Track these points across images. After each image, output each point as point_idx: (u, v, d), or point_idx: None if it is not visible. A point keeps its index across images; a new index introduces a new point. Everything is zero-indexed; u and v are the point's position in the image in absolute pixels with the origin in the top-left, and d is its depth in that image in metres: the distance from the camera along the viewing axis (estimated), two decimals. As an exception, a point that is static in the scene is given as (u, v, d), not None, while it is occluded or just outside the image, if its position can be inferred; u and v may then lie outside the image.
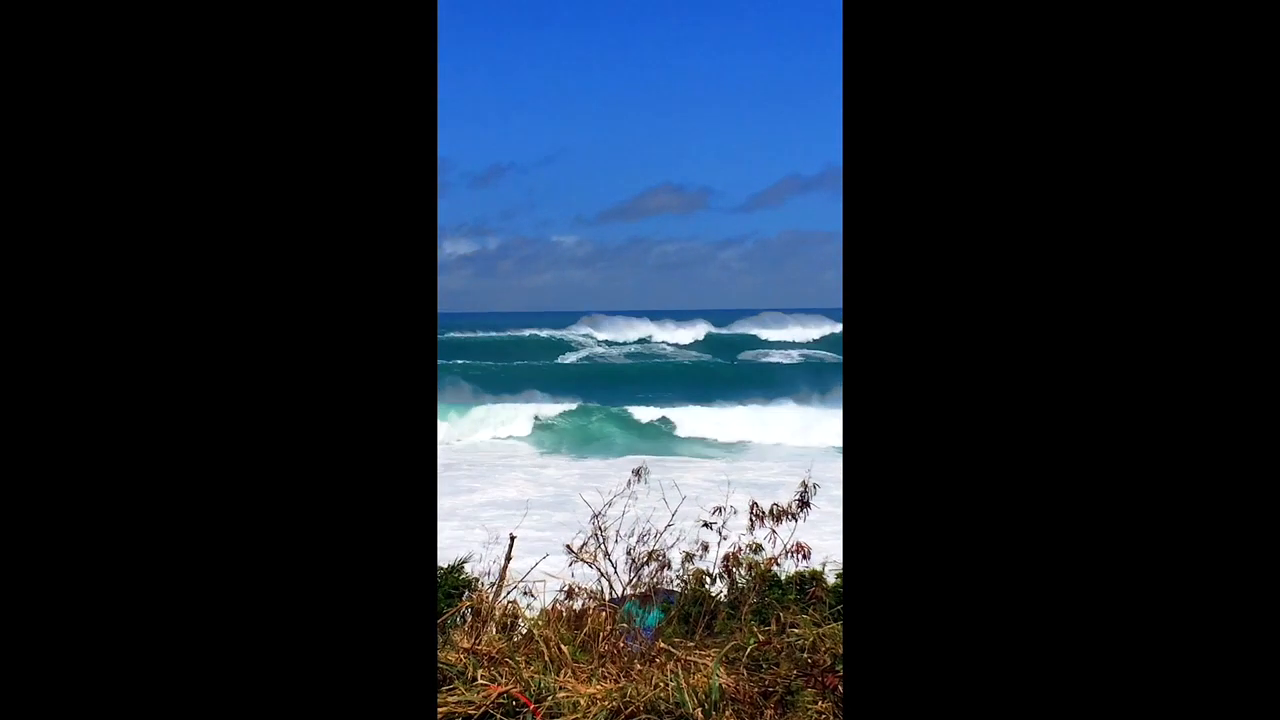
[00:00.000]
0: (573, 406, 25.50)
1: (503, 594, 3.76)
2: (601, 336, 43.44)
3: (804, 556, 3.88)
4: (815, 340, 42.91)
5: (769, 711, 3.06)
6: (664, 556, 3.97)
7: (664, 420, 24.37)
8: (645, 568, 3.98)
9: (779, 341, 42.88)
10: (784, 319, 46.24)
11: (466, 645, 3.19)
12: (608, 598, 3.88)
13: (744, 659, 3.25)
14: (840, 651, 3.22)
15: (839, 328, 43.08)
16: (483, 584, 3.98)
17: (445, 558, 4.38)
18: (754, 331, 44.51)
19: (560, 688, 3.08)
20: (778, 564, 3.91)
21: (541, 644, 3.28)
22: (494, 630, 3.52)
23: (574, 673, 3.19)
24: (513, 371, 34.40)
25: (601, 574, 3.97)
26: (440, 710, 2.87)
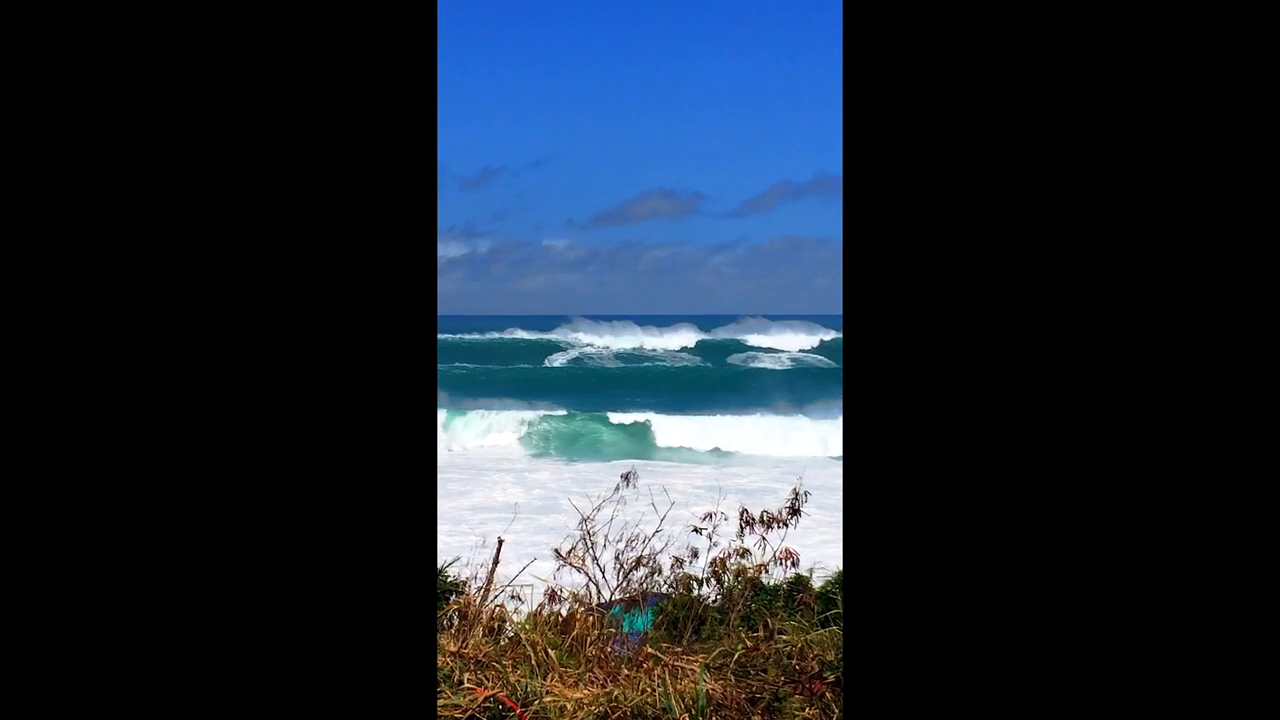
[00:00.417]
0: (562, 411, 25.49)
1: (490, 598, 3.75)
2: (592, 341, 43.44)
3: (793, 564, 3.88)
4: (807, 347, 42.98)
5: (756, 717, 3.05)
6: (653, 561, 3.97)
7: (652, 426, 24.37)
8: (634, 573, 3.97)
9: (770, 348, 42.93)
10: (776, 325, 46.31)
11: (453, 649, 3.18)
12: (595, 603, 3.87)
13: (731, 665, 3.24)
14: (828, 658, 3.21)
15: (832, 334, 43.20)
16: (470, 587, 3.96)
17: (433, 561, 4.35)
18: (745, 337, 44.56)
19: (547, 692, 3.07)
20: (766, 571, 3.91)
21: (528, 648, 3.27)
22: (481, 634, 3.51)
23: (561, 677, 3.18)
24: (502, 375, 34.38)
25: (589, 579, 3.96)
26: (426, 714, 2.86)
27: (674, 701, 3.00)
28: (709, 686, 3.08)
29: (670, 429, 24.13)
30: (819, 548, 4.22)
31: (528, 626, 3.50)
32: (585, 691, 3.09)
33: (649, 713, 3.00)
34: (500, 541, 3.94)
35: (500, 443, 23.34)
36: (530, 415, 24.81)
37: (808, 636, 3.36)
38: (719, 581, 3.92)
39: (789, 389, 30.31)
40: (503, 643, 3.43)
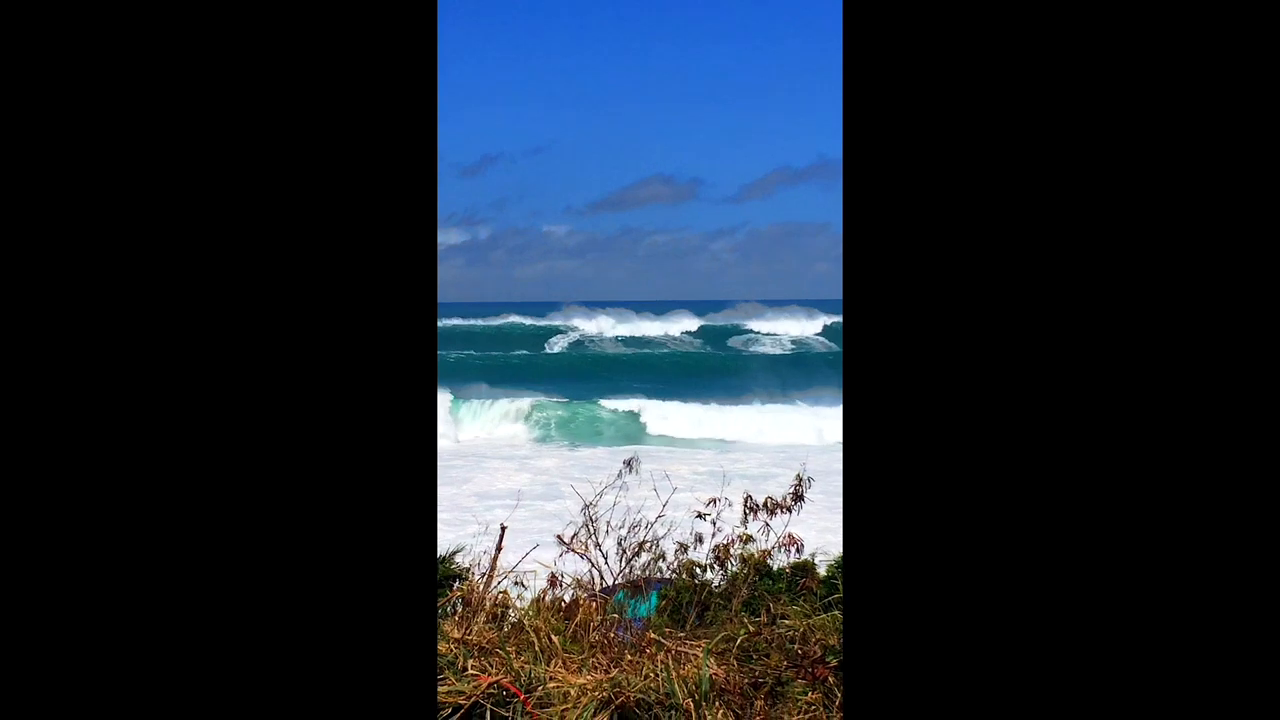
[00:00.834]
0: (563, 397, 25.49)
1: (493, 584, 3.75)
2: (592, 327, 43.41)
3: (797, 550, 3.88)
4: (807, 333, 42.94)
5: (759, 702, 3.06)
6: (657, 547, 3.98)
7: (653, 411, 24.37)
8: (636, 558, 3.98)
9: (770, 333, 42.89)
10: (775, 310, 46.27)
11: (457, 635, 3.18)
12: (598, 588, 3.88)
13: (734, 650, 3.25)
14: (830, 643, 3.22)
15: (832, 319, 43.12)
16: (473, 574, 3.97)
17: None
18: (745, 323, 44.52)
19: (550, 678, 3.08)
20: (770, 557, 3.92)
21: (532, 634, 3.28)
22: (484, 620, 3.52)
23: (564, 663, 3.19)
24: (502, 361, 34.37)
25: (592, 564, 3.97)
26: (430, 700, 2.87)
27: (677, 686, 3.01)
28: (712, 671, 3.09)
29: (671, 414, 24.14)
30: (821, 534, 4.23)
31: (531, 612, 3.51)
32: (589, 677, 3.10)
33: (652, 698, 3.01)
34: (503, 528, 3.95)
35: (501, 429, 23.35)
36: (531, 401, 24.80)
37: (810, 621, 3.36)
38: (722, 567, 3.93)
39: (789, 374, 30.31)
40: (506, 629, 3.44)
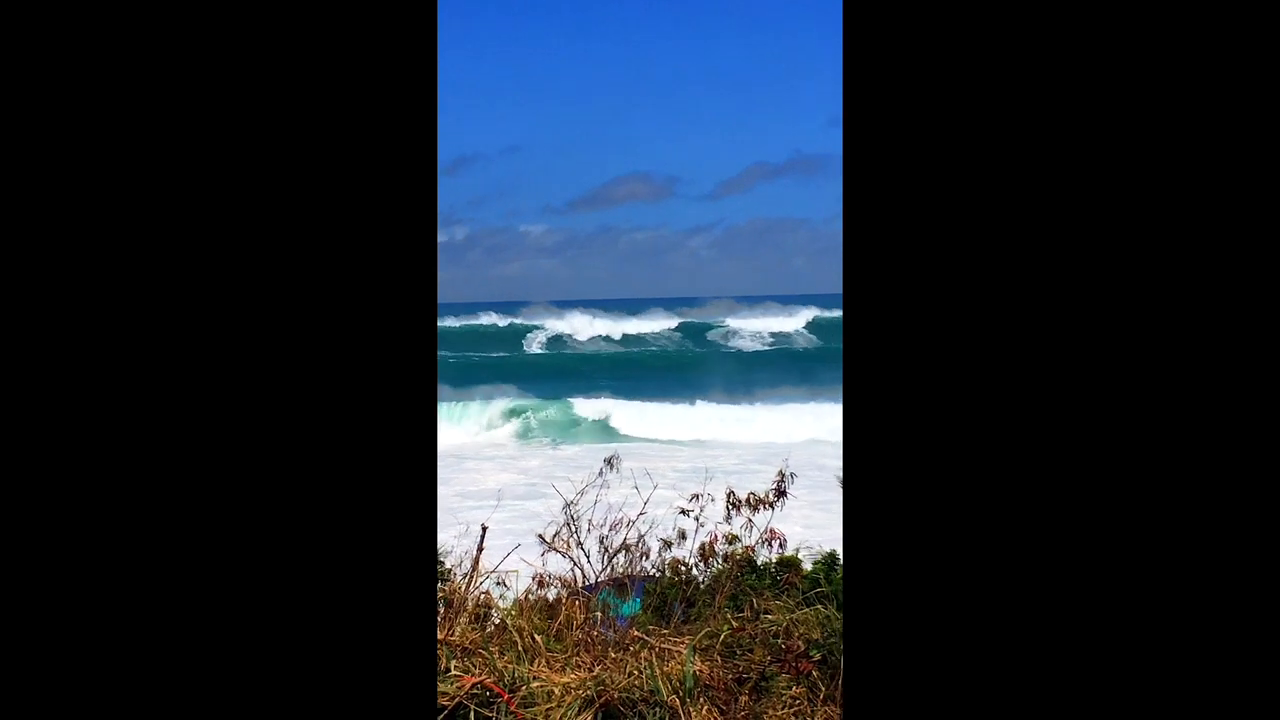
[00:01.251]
0: (542, 396, 25.46)
1: (475, 584, 3.74)
2: (570, 325, 43.38)
3: (780, 545, 3.89)
4: (787, 329, 43.05)
5: (744, 698, 3.07)
6: (642, 544, 3.97)
7: (633, 409, 24.38)
8: (619, 556, 3.97)
9: (749, 329, 42.98)
10: (755, 306, 46.36)
11: (439, 637, 3.17)
12: (581, 586, 3.87)
13: (718, 646, 3.25)
14: (814, 637, 3.23)
15: (812, 314, 43.22)
16: (455, 575, 3.96)
17: (417, 549, 4.33)
18: (724, 319, 44.59)
19: (534, 677, 3.07)
20: (753, 552, 3.92)
21: (515, 634, 3.27)
22: (467, 621, 3.51)
23: (548, 662, 3.18)
24: (480, 361, 34.31)
25: (574, 563, 3.96)
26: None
27: (661, 683, 3.00)
28: (696, 668, 3.09)
29: (650, 412, 24.15)
30: (808, 529, 4.24)
31: (513, 612, 3.50)
32: (572, 675, 3.09)
33: (636, 695, 3.01)
34: (484, 529, 3.93)
35: (480, 429, 23.30)
36: (510, 401, 24.77)
37: (793, 616, 3.37)
38: (706, 564, 3.93)
39: (770, 370, 30.38)
40: (489, 629, 3.43)
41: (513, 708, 2.95)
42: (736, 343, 40.90)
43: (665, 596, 3.79)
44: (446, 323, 44.75)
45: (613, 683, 3.03)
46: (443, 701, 2.89)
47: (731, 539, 3.91)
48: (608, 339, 41.70)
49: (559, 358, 37.24)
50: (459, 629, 3.33)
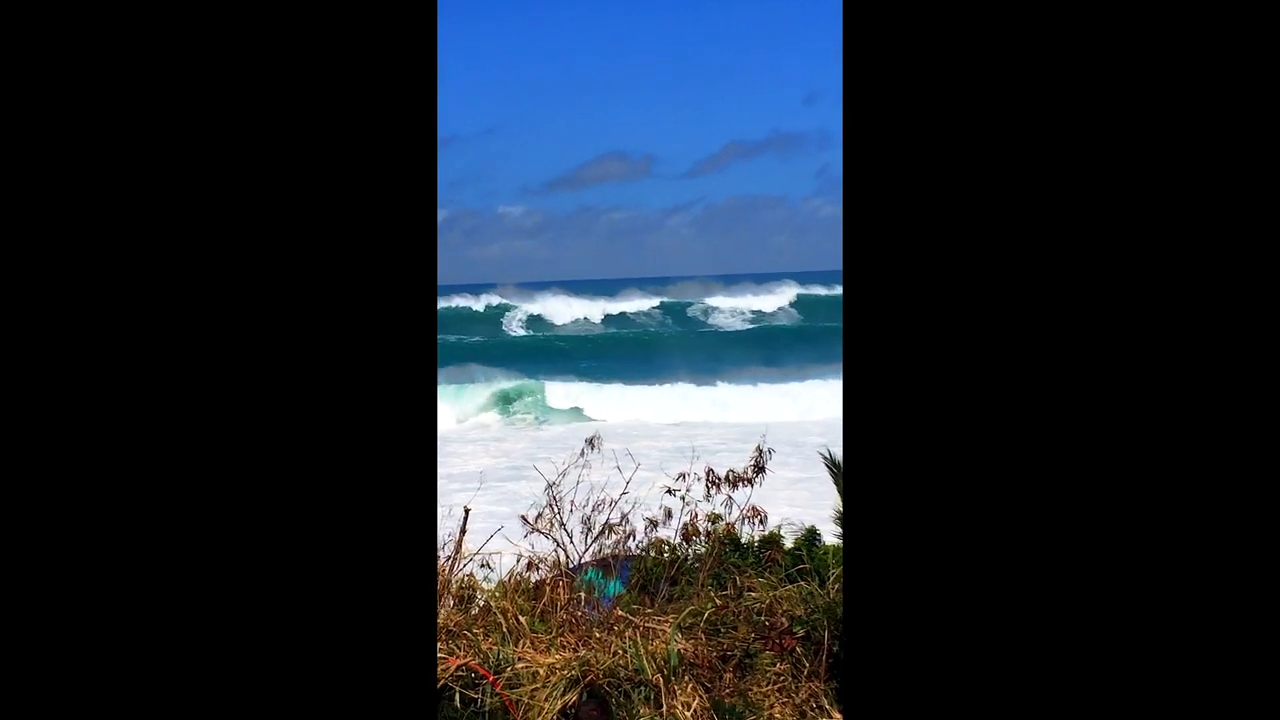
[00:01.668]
0: (522, 378, 25.42)
1: (459, 567, 3.74)
2: (550, 307, 43.30)
3: (760, 521, 3.90)
4: (767, 307, 43.09)
5: (728, 675, 3.09)
6: (625, 524, 3.98)
7: (614, 390, 24.39)
8: (605, 537, 3.98)
9: (729, 308, 43.00)
10: (734, 285, 46.36)
11: (424, 619, 3.17)
12: (565, 567, 3.88)
13: (702, 624, 3.27)
14: (797, 613, 3.25)
15: (793, 292, 43.23)
16: (438, 558, 3.95)
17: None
18: (704, 298, 44.57)
19: (519, 658, 3.08)
20: (734, 530, 3.94)
21: (499, 616, 3.27)
22: (451, 603, 3.51)
23: (533, 643, 3.19)
24: (459, 344, 34.22)
25: (558, 544, 3.96)
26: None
27: (646, 662, 3.02)
28: (680, 646, 3.11)
29: (631, 393, 24.16)
30: (789, 508, 4.25)
31: (497, 594, 3.50)
32: (557, 656, 3.10)
33: (621, 674, 3.02)
34: (466, 511, 3.93)
35: (460, 412, 23.26)
36: (490, 383, 24.72)
37: (775, 593, 3.39)
38: (688, 543, 3.94)
39: (750, 349, 30.41)
40: (473, 611, 3.43)
41: (498, 689, 2.96)
42: (716, 320, 40.92)
43: (649, 576, 3.80)
44: (426, 306, 44.42)
45: (597, 662, 3.04)
46: (428, 684, 2.90)
47: (714, 518, 3.92)
48: (587, 320, 41.65)
49: (538, 340, 37.18)
50: (443, 612, 3.33)
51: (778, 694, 3.05)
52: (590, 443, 4.09)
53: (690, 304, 44.79)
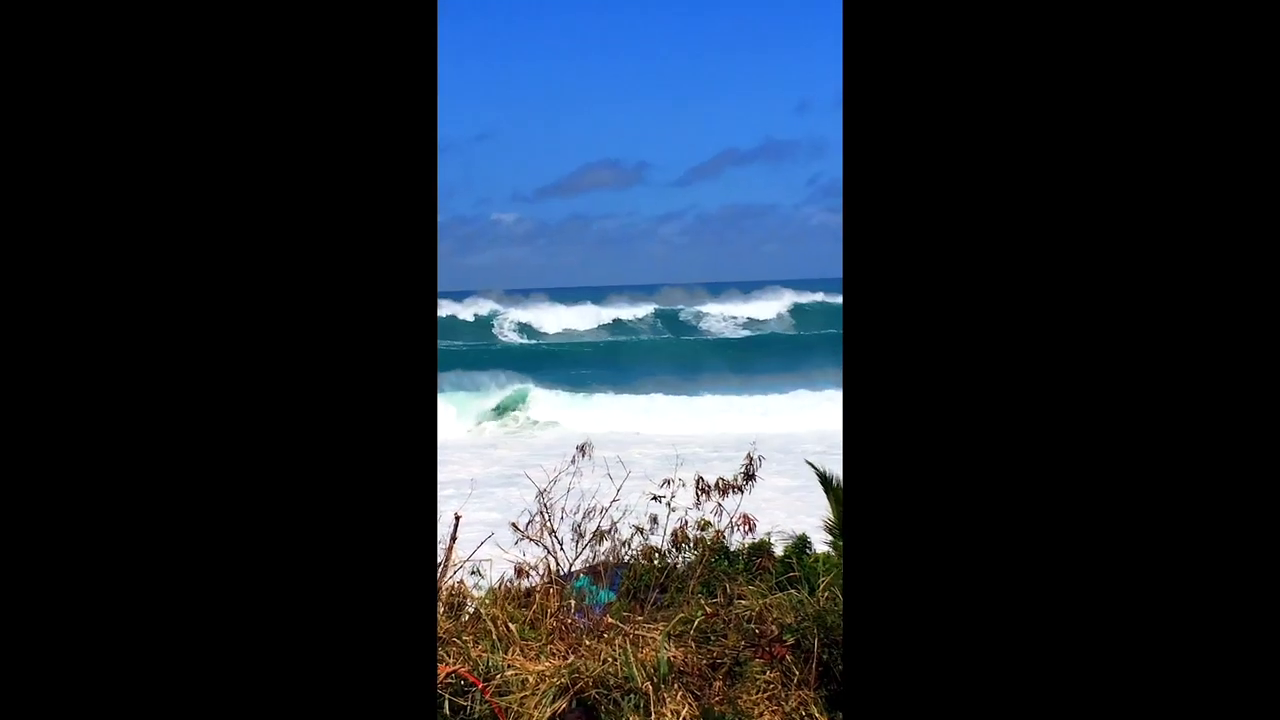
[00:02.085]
0: (514, 385, 25.38)
1: (449, 574, 3.73)
2: (542, 314, 43.26)
3: (749, 529, 3.90)
4: (759, 315, 43.10)
5: (718, 683, 3.08)
6: (615, 531, 3.98)
7: (605, 397, 24.37)
8: (593, 544, 3.98)
9: (721, 315, 43.00)
10: (726, 292, 46.36)
11: (413, 626, 3.16)
12: (555, 574, 3.87)
13: (692, 631, 3.26)
14: (787, 621, 3.24)
15: (787, 301, 43.25)
16: (430, 564, 3.94)
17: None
18: (695, 306, 44.57)
19: (509, 666, 3.07)
20: (723, 537, 3.94)
21: (489, 623, 3.27)
22: (441, 611, 3.50)
23: (523, 650, 3.18)
24: (452, 352, 34.17)
25: (548, 551, 3.96)
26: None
27: (635, 670, 3.01)
28: (670, 654, 3.10)
29: (623, 400, 24.15)
30: (783, 515, 4.26)
31: (487, 601, 3.49)
32: (547, 663, 3.10)
33: (611, 682, 3.01)
34: (457, 518, 3.92)
35: (451, 419, 23.22)
36: (482, 391, 24.68)
37: (765, 600, 3.39)
38: (678, 550, 3.94)
39: (741, 356, 30.43)
40: (463, 619, 3.43)
41: (487, 696, 2.95)
42: (708, 327, 40.92)
43: (639, 583, 3.80)
44: (417, 312, 44.33)
45: (587, 670, 3.04)
46: (417, 691, 2.89)
47: (704, 525, 3.92)
48: (579, 328, 41.61)
49: (529, 347, 37.15)
50: (433, 619, 3.32)
51: (767, 702, 3.04)
52: (581, 450, 4.09)
53: (683, 310, 44.73)
